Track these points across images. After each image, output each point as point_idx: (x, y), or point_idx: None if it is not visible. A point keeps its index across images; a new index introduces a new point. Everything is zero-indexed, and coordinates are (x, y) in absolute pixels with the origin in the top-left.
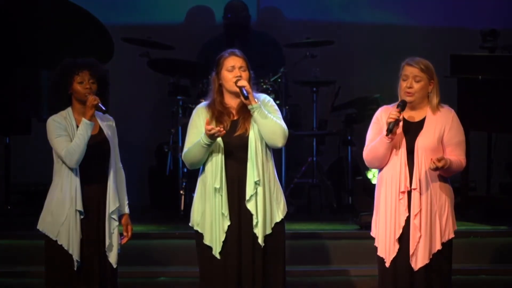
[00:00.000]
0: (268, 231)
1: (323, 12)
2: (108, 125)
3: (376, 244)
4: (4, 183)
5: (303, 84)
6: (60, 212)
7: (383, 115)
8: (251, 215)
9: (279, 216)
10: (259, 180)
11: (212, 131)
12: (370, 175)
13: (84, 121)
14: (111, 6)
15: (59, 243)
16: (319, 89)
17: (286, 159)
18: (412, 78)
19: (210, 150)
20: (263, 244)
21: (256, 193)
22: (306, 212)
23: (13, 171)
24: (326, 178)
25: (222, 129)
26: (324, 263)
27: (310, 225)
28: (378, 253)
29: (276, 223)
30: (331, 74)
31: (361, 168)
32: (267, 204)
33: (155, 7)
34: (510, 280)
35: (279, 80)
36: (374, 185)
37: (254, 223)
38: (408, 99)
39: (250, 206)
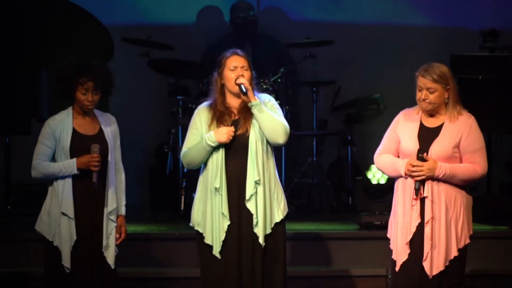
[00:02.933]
0: (268, 231)
1: (323, 12)
2: (109, 126)
3: (391, 246)
4: (4, 183)
5: (303, 84)
6: (56, 214)
7: (401, 121)
8: (251, 214)
9: (279, 216)
10: (259, 180)
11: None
12: (370, 175)
13: (74, 168)
14: (111, 6)
15: (55, 244)
16: (319, 89)
17: (286, 159)
18: (426, 90)
19: (209, 153)
20: (263, 244)
21: (256, 192)
22: (306, 212)
23: (13, 171)
24: (326, 178)
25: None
26: (324, 263)
27: (310, 225)
28: (393, 256)
29: (276, 223)
30: (331, 74)
31: (361, 168)
32: (267, 204)
33: (155, 7)
34: (510, 280)
35: (279, 80)
36: (374, 185)
37: (254, 222)
38: (423, 107)
39: (250, 205)
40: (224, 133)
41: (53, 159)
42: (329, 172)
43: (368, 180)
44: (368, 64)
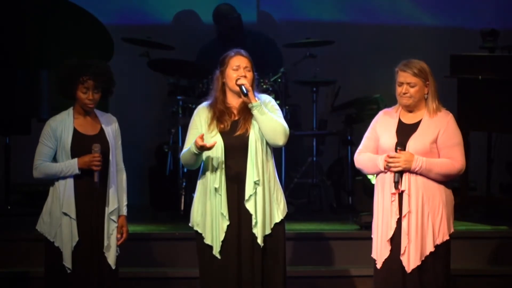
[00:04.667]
0: (268, 231)
1: (323, 12)
2: (110, 125)
3: (372, 246)
4: (4, 183)
5: (303, 84)
6: (57, 214)
7: (380, 120)
8: (251, 215)
9: (278, 216)
10: (258, 180)
11: (200, 144)
12: (370, 175)
13: (76, 168)
14: (111, 6)
15: (55, 244)
16: (319, 89)
17: (286, 159)
18: (406, 84)
19: (201, 156)
20: (262, 244)
21: (255, 193)
22: (306, 212)
23: (13, 171)
24: (326, 178)
25: (212, 143)
26: (324, 263)
27: (310, 225)
28: (372, 255)
29: (276, 224)
30: (331, 74)
31: None
32: (266, 205)
33: (155, 7)
34: (510, 280)
35: (279, 80)
36: (374, 185)
37: (253, 223)
38: (404, 103)
39: (249, 206)
40: (200, 146)
41: (54, 159)
42: (329, 172)
43: (368, 180)
44: (368, 64)
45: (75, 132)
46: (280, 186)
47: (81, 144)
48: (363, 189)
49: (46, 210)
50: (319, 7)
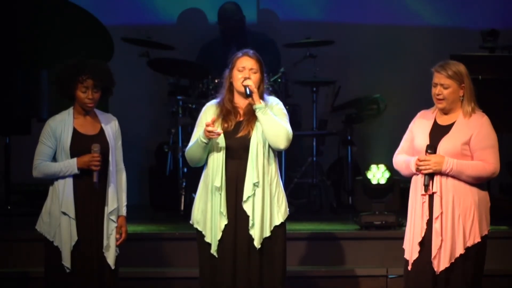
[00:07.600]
0: (267, 234)
1: (323, 12)
2: (110, 125)
3: (404, 246)
4: (4, 183)
5: (303, 84)
6: (56, 214)
7: (417, 121)
8: (248, 216)
9: (279, 219)
10: (258, 182)
11: (209, 129)
12: (370, 175)
13: (75, 168)
14: (111, 6)
15: (55, 244)
16: (319, 89)
17: (286, 159)
18: (440, 86)
19: (208, 148)
20: (259, 246)
21: (254, 194)
22: (306, 212)
23: (13, 171)
24: (326, 178)
25: (220, 131)
26: (324, 263)
27: (310, 225)
28: (405, 256)
29: (276, 226)
30: (331, 74)
31: (361, 168)
32: (265, 207)
33: (155, 7)
34: (510, 280)
35: (279, 80)
36: (374, 185)
37: (250, 224)
38: (438, 106)
39: (246, 207)
40: (208, 131)
41: (54, 159)
42: (329, 172)
43: (368, 180)
44: (368, 64)
45: (75, 132)
46: (283, 189)
47: (80, 144)
48: (363, 189)
49: (45, 210)
50: (319, 7)
